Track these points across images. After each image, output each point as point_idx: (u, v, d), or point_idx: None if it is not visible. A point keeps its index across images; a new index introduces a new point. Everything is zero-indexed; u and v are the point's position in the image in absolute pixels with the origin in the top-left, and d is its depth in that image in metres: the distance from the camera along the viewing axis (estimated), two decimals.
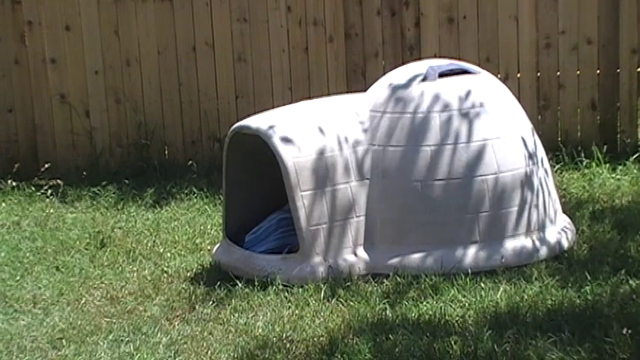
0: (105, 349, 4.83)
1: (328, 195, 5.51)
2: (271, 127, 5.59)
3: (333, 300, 5.22)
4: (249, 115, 6.07)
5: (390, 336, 4.70)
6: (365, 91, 6.15)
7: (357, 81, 7.79)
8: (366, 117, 5.70)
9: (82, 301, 5.50)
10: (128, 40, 7.97)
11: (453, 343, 4.58)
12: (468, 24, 7.80)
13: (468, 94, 5.69)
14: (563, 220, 5.94)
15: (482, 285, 5.27)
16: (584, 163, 7.52)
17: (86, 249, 6.37)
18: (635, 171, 7.36)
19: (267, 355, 4.64)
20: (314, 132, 5.61)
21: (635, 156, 7.58)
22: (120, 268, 6.00)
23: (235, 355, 4.68)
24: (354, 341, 4.69)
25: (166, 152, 8.06)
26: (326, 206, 5.50)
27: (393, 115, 5.64)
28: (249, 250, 5.71)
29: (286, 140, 5.52)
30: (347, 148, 5.59)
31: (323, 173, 5.51)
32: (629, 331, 4.46)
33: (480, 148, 5.55)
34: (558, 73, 7.85)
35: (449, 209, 5.52)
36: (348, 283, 5.40)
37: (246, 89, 7.96)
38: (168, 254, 6.18)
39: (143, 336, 4.97)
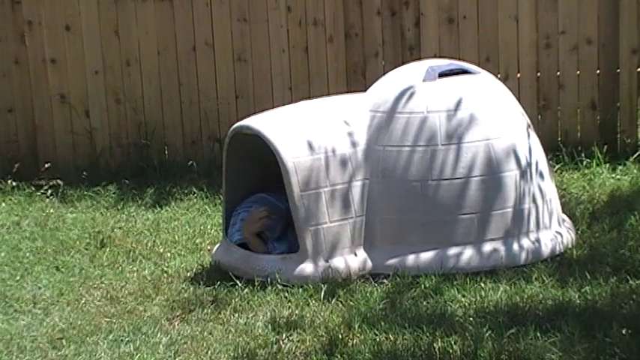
0: (105, 349, 4.83)
1: (328, 195, 5.51)
2: (271, 128, 5.59)
3: (333, 300, 5.22)
4: (249, 115, 6.07)
5: (390, 336, 4.71)
6: (365, 91, 6.15)
7: (357, 81, 7.79)
8: (365, 117, 5.70)
9: (82, 301, 5.50)
10: (128, 40, 7.97)
11: (453, 343, 4.58)
12: (468, 24, 7.80)
13: (467, 94, 5.69)
14: (563, 220, 5.94)
15: (482, 285, 5.27)
16: (584, 163, 7.52)
17: (86, 249, 6.37)
18: (635, 171, 7.36)
19: (267, 355, 4.64)
20: (314, 132, 5.61)
21: (635, 156, 7.58)
22: (120, 268, 6.00)
23: (235, 355, 4.68)
24: (354, 341, 4.69)
25: (166, 152, 8.05)
26: (326, 206, 5.50)
27: (392, 115, 5.64)
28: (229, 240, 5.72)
29: (286, 140, 5.52)
30: (347, 148, 5.59)
31: (323, 173, 5.51)
32: (629, 331, 4.47)
33: (479, 148, 5.55)
34: (558, 73, 7.85)
35: (448, 209, 5.52)
36: (348, 283, 5.40)
37: (246, 89, 7.96)
38: (168, 254, 6.18)
39: (143, 336, 4.97)
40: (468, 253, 5.50)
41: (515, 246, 5.56)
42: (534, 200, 5.65)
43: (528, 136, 5.77)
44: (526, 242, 5.59)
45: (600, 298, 4.98)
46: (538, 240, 5.63)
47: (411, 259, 5.51)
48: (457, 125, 5.57)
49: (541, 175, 5.74)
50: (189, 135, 8.04)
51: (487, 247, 5.52)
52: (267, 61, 7.92)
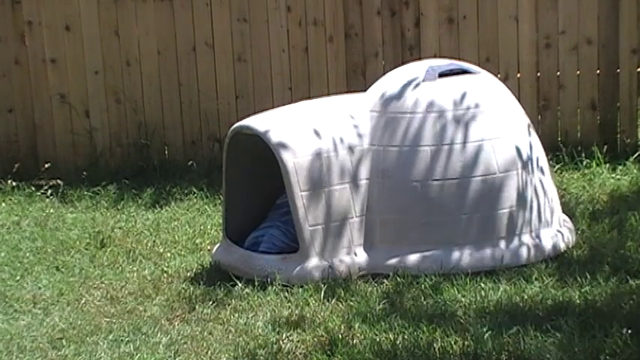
0: (105, 349, 4.83)
1: (328, 195, 5.51)
2: (271, 128, 5.59)
3: (333, 300, 5.22)
4: (249, 115, 6.07)
5: (390, 336, 4.71)
6: (365, 91, 6.15)
7: (357, 81, 7.79)
8: (365, 117, 5.70)
9: (82, 301, 5.50)
10: (128, 40, 7.97)
11: (453, 343, 4.58)
12: (468, 24, 7.80)
13: (467, 94, 5.69)
14: (563, 220, 5.94)
15: (482, 285, 5.27)
16: (584, 163, 7.52)
17: (86, 249, 6.37)
18: (635, 171, 7.36)
19: (267, 355, 4.64)
20: (314, 132, 5.61)
21: (635, 156, 7.58)
22: (120, 268, 6.00)
23: (235, 355, 4.68)
24: (354, 341, 4.69)
25: (166, 152, 8.05)
26: (325, 206, 5.49)
27: (392, 115, 5.64)
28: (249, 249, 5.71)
29: (286, 140, 5.51)
30: (346, 148, 5.59)
31: (322, 173, 5.51)
32: (629, 331, 4.47)
33: (479, 148, 5.55)
34: (558, 73, 7.85)
35: (448, 209, 5.52)
36: (348, 283, 5.40)
37: (246, 89, 7.96)
38: (168, 254, 6.18)
39: (143, 336, 4.97)
40: (468, 253, 5.50)
41: (515, 246, 5.56)
42: (535, 200, 5.65)
43: (529, 135, 5.77)
44: (526, 242, 5.59)
45: (600, 298, 4.98)
46: (538, 240, 5.63)
47: (411, 259, 5.51)
48: (457, 125, 5.57)
49: (542, 175, 5.74)
50: (189, 135, 8.04)
51: (487, 247, 5.51)
52: (267, 61, 7.92)
